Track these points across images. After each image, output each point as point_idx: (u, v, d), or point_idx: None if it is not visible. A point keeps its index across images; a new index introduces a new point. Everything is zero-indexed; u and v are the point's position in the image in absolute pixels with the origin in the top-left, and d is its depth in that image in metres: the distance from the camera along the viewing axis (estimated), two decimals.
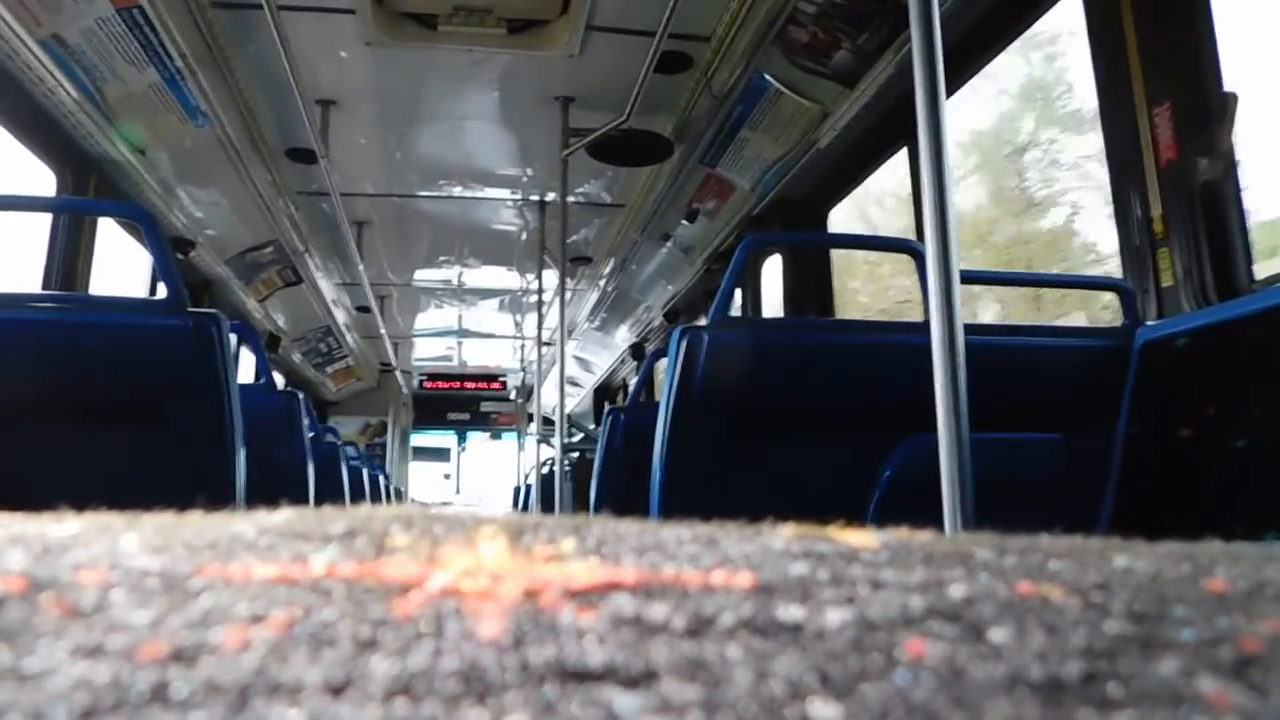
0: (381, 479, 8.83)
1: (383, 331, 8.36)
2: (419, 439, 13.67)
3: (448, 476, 14.70)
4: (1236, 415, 2.05)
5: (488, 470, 14.52)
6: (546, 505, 6.55)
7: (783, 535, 0.54)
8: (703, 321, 2.26)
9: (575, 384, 10.95)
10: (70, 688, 0.29)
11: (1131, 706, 0.30)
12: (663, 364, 2.46)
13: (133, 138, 3.99)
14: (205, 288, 5.96)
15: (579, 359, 10.07)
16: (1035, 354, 2.36)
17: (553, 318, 6.03)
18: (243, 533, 0.50)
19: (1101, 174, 2.72)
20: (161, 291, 2.22)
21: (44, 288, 3.87)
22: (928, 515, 1.15)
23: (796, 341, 2.34)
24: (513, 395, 12.37)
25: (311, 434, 4.18)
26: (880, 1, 3.25)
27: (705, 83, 4.06)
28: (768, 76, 3.91)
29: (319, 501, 4.17)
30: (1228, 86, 2.39)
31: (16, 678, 0.29)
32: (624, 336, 8.61)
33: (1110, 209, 2.67)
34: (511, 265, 7.35)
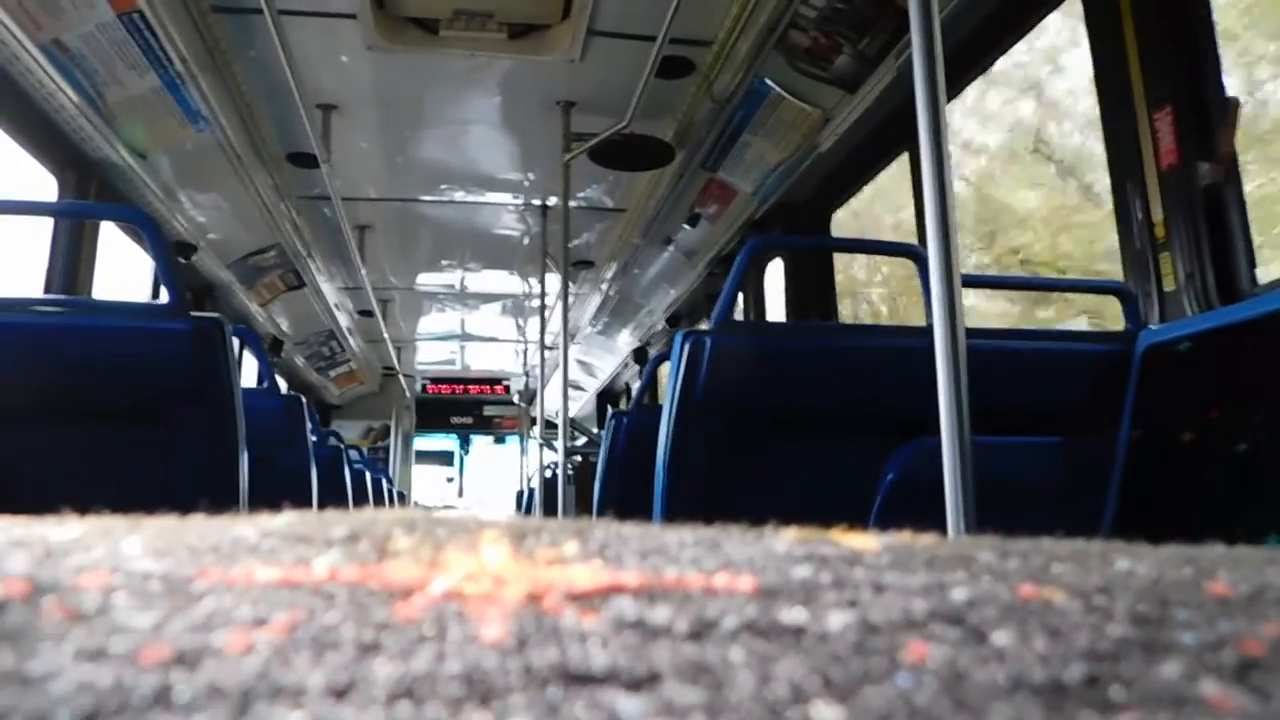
0: (384, 482, 8.83)
1: (385, 335, 8.37)
2: (422, 442, 13.66)
3: (451, 480, 14.71)
4: (1239, 419, 2.05)
5: (491, 474, 14.54)
6: (549, 509, 6.55)
7: (785, 538, 0.54)
8: (705, 325, 2.26)
9: (578, 388, 10.96)
10: (73, 691, 0.29)
11: (1134, 709, 0.30)
12: (665, 368, 2.46)
13: (134, 142, 3.99)
14: (208, 292, 5.97)
15: (581, 363, 10.08)
16: (1038, 358, 2.36)
17: (555, 322, 6.02)
18: (245, 536, 0.50)
19: None
20: (164, 296, 2.22)
21: (46, 292, 3.87)
22: (930, 518, 1.15)
23: (799, 345, 2.34)
24: (516, 399, 12.36)
25: (314, 438, 4.18)
26: (881, 6, 3.26)
27: (706, 87, 4.06)
28: (769, 81, 3.91)
29: (322, 505, 4.17)
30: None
31: (19, 681, 0.29)
32: (627, 340, 8.61)
33: None
34: (514, 269, 7.36)
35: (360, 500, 6.48)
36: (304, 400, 3.93)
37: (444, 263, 7.22)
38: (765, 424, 2.29)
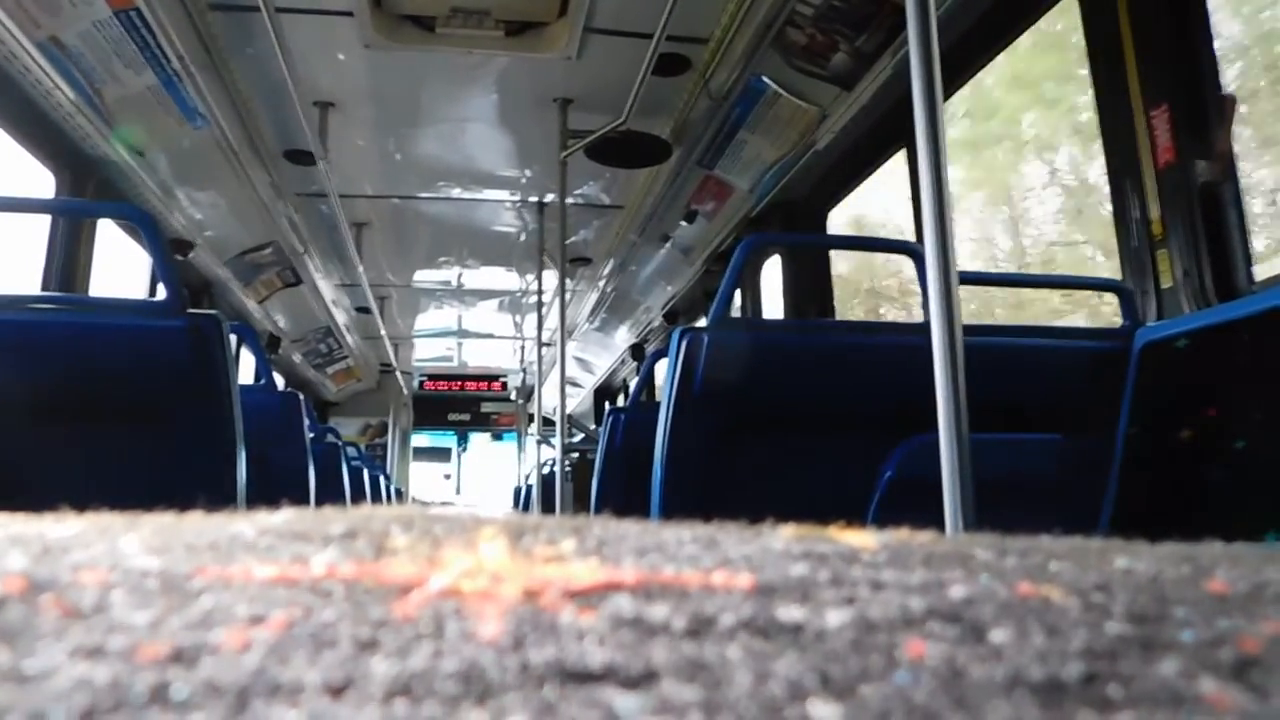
0: (382, 479, 8.83)
1: (383, 332, 8.36)
2: (419, 439, 13.66)
3: (448, 477, 14.70)
4: (1237, 416, 2.05)
5: (488, 471, 14.52)
6: (547, 506, 6.55)
7: (783, 536, 0.54)
8: (702, 322, 2.26)
9: (575, 384, 10.95)
10: (70, 688, 0.29)
11: (1131, 707, 0.30)
12: (663, 364, 2.46)
13: (131, 139, 3.99)
14: (205, 289, 5.96)
15: (579, 359, 10.08)
16: (1035, 355, 2.36)
17: (553, 318, 6.03)
18: (243, 533, 0.50)
19: None
20: (161, 293, 2.22)
21: (43, 289, 3.87)
22: (928, 516, 1.15)
23: (796, 342, 2.34)
24: (513, 396, 12.36)
25: (312, 434, 4.18)
26: (878, 4, 3.26)
27: (703, 85, 4.06)
28: (765, 79, 3.91)
29: (319, 502, 4.17)
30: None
31: (16, 678, 0.29)
32: (624, 337, 8.61)
33: None
34: (511, 266, 7.36)
35: (358, 497, 6.48)
36: (301, 397, 3.93)
37: (441, 260, 7.22)
38: (762, 421, 2.29)
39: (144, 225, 2.32)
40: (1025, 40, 3.19)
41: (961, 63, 3.30)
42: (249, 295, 6.50)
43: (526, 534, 0.51)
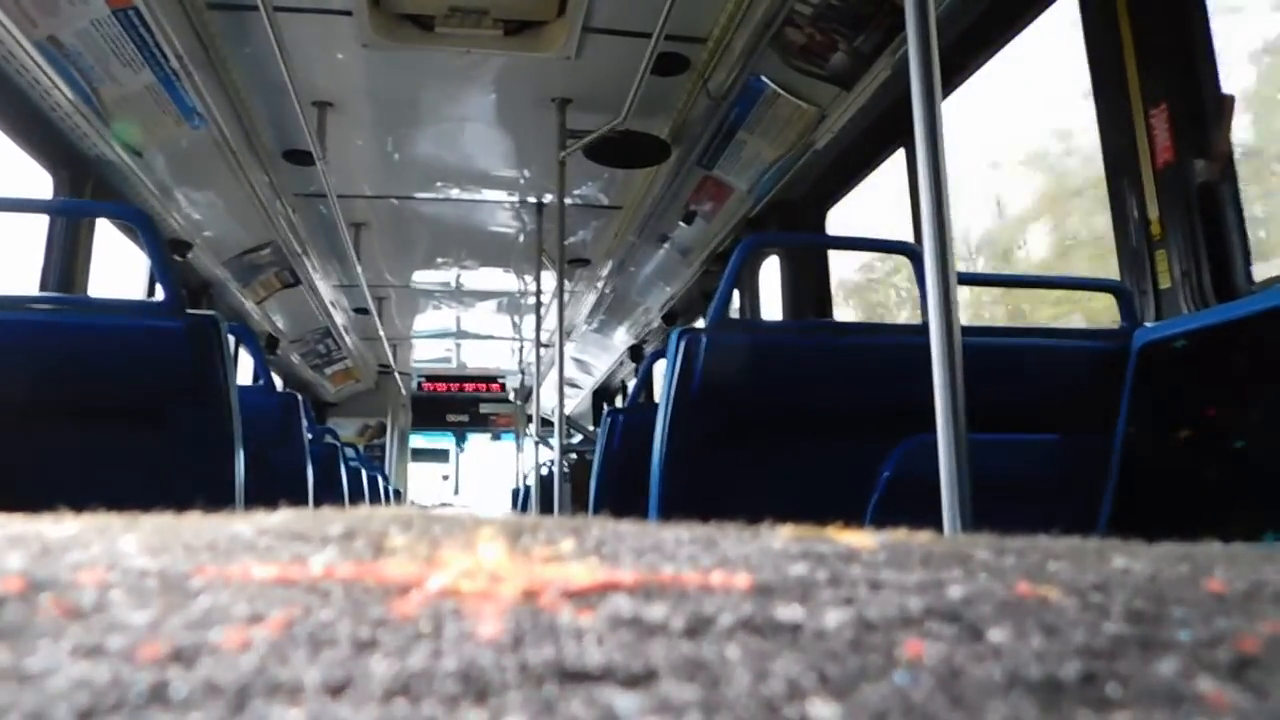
0: (380, 480, 8.82)
1: (381, 333, 8.36)
2: (418, 440, 13.66)
3: (446, 478, 14.69)
4: (1235, 416, 2.05)
5: (487, 471, 14.51)
6: (545, 506, 6.54)
7: (781, 536, 0.54)
8: (701, 323, 2.26)
9: (574, 385, 10.95)
10: (70, 688, 0.29)
11: (1130, 707, 0.30)
12: (661, 365, 2.46)
13: (129, 139, 3.99)
14: (204, 289, 5.96)
15: (577, 360, 10.07)
16: (1034, 355, 2.36)
17: (551, 319, 6.02)
18: (241, 533, 0.50)
19: None
20: (160, 293, 2.22)
21: (42, 289, 3.87)
22: (926, 516, 1.15)
23: (795, 343, 2.34)
24: (512, 396, 12.36)
25: (310, 435, 4.18)
26: (876, 3, 3.25)
27: (702, 84, 4.06)
28: (764, 78, 3.91)
29: (318, 502, 4.16)
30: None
31: (16, 678, 0.29)
32: (622, 338, 8.61)
33: None
34: (509, 267, 7.36)
35: (356, 498, 6.48)
36: (300, 398, 3.93)
37: (440, 260, 7.22)
38: (761, 421, 2.29)
39: (142, 225, 2.32)
40: None
41: (960, 62, 3.30)
42: (247, 296, 6.49)
43: (525, 534, 0.51)
